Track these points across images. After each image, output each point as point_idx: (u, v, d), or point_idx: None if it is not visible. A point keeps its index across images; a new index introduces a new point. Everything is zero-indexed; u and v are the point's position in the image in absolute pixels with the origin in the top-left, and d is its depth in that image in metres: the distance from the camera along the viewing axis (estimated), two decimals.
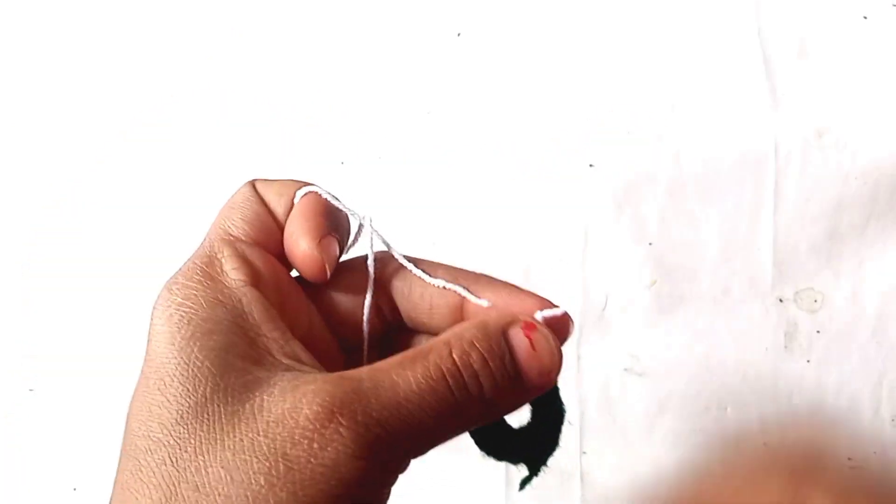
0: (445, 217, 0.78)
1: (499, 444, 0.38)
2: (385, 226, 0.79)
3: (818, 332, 0.73)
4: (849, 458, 0.73)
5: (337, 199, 0.40)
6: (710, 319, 0.74)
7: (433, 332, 0.41)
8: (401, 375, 0.32)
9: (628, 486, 0.73)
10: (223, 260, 0.38)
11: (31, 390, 0.78)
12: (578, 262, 0.76)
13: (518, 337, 0.35)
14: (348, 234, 0.41)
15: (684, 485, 0.73)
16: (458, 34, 0.83)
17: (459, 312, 0.41)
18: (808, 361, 0.73)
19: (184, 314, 0.36)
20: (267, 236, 0.40)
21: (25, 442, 0.77)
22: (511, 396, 0.35)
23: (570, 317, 0.39)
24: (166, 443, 0.33)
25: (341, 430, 0.30)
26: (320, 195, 0.40)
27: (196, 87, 0.84)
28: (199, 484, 0.32)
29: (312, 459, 0.30)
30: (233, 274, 0.37)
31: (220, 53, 0.85)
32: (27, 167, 0.84)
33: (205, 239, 0.40)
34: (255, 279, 0.37)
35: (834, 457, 0.73)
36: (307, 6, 0.85)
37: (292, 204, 0.40)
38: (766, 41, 0.78)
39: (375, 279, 0.41)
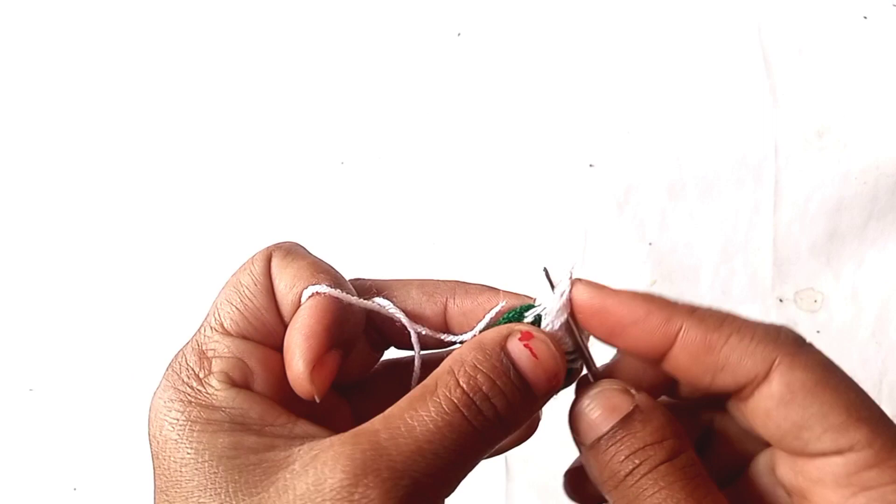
0: (445, 217, 0.78)
1: None
2: (385, 225, 0.79)
3: (818, 332, 0.73)
4: None
5: (349, 294, 0.37)
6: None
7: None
8: (415, 418, 0.32)
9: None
10: (213, 362, 0.36)
11: (31, 390, 0.78)
12: (578, 262, 0.76)
13: (518, 349, 0.35)
14: (360, 326, 0.39)
15: None
16: (458, 34, 0.83)
17: (443, 318, 0.40)
18: None
19: (185, 420, 0.34)
20: (265, 332, 0.38)
21: (25, 442, 0.77)
22: (525, 408, 0.34)
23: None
24: None
25: (370, 492, 0.30)
26: (329, 295, 0.37)
27: (196, 87, 0.84)
28: None
29: None
30: (221, 379, 0.35)
31: (220, 53, 0.85)
32: (27, 167, 0.84)
33: (202, 327, 0.38)
34: (247, 380, 0.36)
35: None
36: (308, 6, 0.85)
37: (300, 302, 0.37)
38: (766, 41, 0.78)
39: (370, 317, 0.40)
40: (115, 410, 0.76)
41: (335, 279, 0.38)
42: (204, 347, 0.36)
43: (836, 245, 0.74)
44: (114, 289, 0.80)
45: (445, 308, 0.40)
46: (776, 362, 0.33)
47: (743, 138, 0.76)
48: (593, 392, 0.35)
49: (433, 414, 0.32)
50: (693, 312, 0.35)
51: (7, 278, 0.82)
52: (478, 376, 0.33)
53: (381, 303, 0.39)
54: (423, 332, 0.39)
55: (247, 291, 0.38)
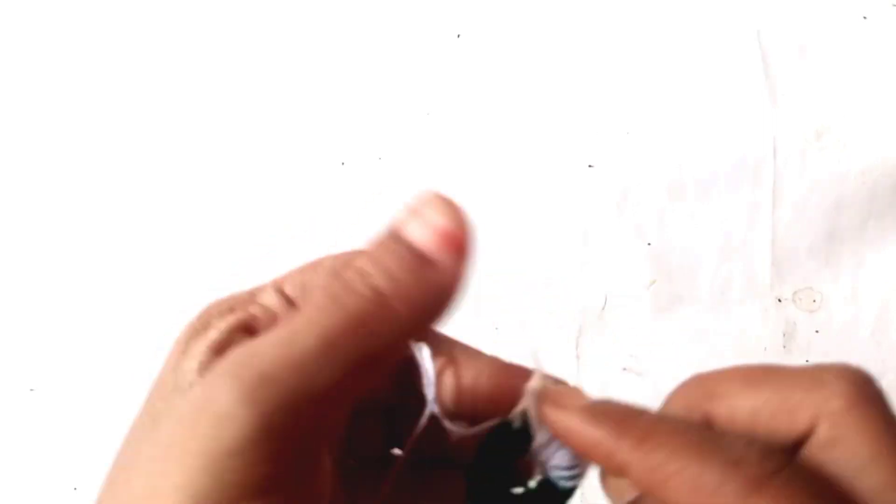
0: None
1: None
2: (384, 225, 0.79)
3: (817, 332, 0.73)
4: None
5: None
6: (710, 319, 0.74)
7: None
8: (286, 326, 0.27)
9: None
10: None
11: (31, 390, 0.78)
12: (578, 262, 0.76)
13: (413, 228, 0.31)
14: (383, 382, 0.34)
15: None
16: (458, 35, 0.83)
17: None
18: (808, 361, 0.73)
19: None
20: None
21: (25, 442, 0.77)
22: (420, 283, 0.29)
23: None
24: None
25: (225, 378, 0.26)
26: None
27: (196, 87, 0.84)
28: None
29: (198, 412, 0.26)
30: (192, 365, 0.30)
31: (219, 54, 0.85)
32: (27, 167, 0.84)
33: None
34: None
35: None
36: (308, 6, 0.85)
37: None
38: (766, 41, 0.78)
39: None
40: (116, 410, 0.76)
41: None
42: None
43: (835, 245, 0.74)
44: (114, 289, 0.80)
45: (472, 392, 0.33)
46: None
47: (742, 138, 0.76)
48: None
49: (305, 315, 0.27)
50: (640, 444, 0.27)
51: (7, 278, 0.82)
52: (356, 259, 0.30)
53: (426, 361, 0.32)
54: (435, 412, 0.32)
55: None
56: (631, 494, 0.30)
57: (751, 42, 0.78)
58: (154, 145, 0.83)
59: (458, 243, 0.31)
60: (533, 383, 0.32)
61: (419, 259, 0.30)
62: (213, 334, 0.31)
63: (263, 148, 0.82)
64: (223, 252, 0.78)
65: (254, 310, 0.32)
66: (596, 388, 0.75)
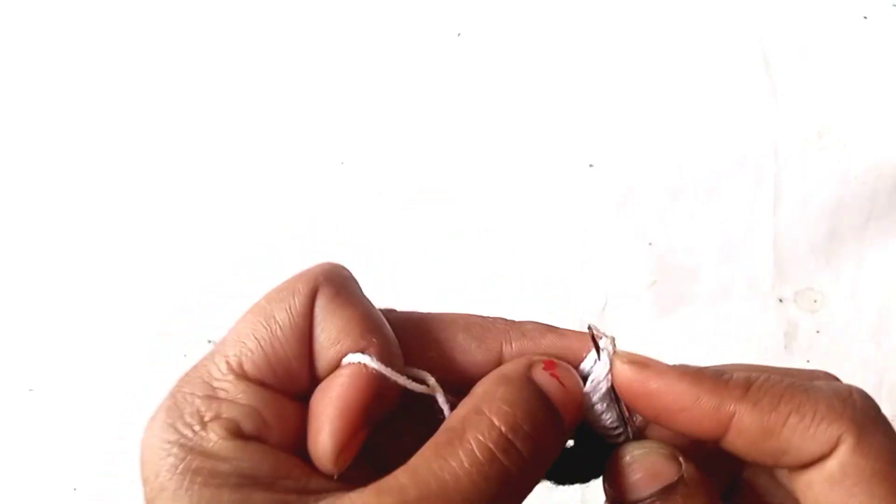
0: (445, 217, 0.78)
1: (568, 470, 0.35)
2: (384, 225, 0.79)
3: (818, 332, 0.73)
4: None
5: (397, 366, 0.32)
6: (710, 319, 0.74)
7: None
8: (445, 469, 0.28)
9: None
10: (224, 406, 0.31)
11: (31, 390, 0.78)
12: (578, 262, 0.76)
13: (545, 379, 0.31)
14: (395, 404, 0.33)
15: None
16: (458, 34, 0.83)
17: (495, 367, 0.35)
18: (808, 361, 0.73)
19: (185, 469, 0.29)
20: (288, 381, 0.32)
21: (25, 442, 0.77)
22: (557, 441, 0.31)
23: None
24: None
25: None
26: (370, 368, 0.31)
27: (196, 87, 0.84)
28: None
29: None
30: (229, 428, 0.30)
31: (219, 54, 0.85)
32: (26, 167, 0.84)
33: (214, 358, 0.32)
34: (259, 432, 0.31)
35: None
36: (308, 6, 0.85)
37: (339, 362, 0.32)
38: (766, 41, 0.78)
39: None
40: (116, 410, 0.76)
41: (386, 341, 0.32)
42: (215, 386, 0.31)
43: (836, 245, 0.74)
44: (114, 289, 0.79)
45: (500, 356, 0.34)
46: (839, 441, 0.30)
47: (743, 138, 0.76)
48: (637, 452, 0.32)
49: (466, 464, 0.28)
50: (746, 393, 0.30)
51: (7, 278, 0.81)
52: (515, 412, 0.30)
53: (430, 383, 0.33)
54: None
55: (279, 332, 0.32)
56: (636, 495, 0.31)
57: (752, 42, 0.78)
58: (154, 146, 0.83)
59: (580, 417, 0.33)
60: (604, 343, 0.33)
61: (560, 420, 0.31)
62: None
63: (263, 148, 0.82)
64: (223, 252, 0.78)
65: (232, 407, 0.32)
66: None
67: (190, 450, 0.30)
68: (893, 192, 0.74)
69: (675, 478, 0.31)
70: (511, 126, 0.79)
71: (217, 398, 0.31)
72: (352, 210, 0.79)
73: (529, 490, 0.30)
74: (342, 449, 0.30)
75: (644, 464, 0.32)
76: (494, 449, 0.29)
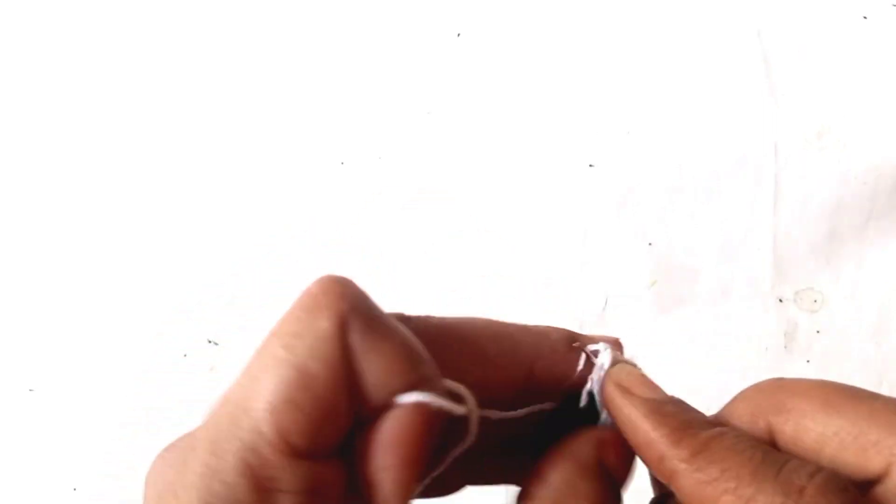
0: (445, 217, 0.78)
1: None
2: (384, 225, 0.79)
3: (818, 332, 0.73)
4: None
5: (448, 401, 0.28)
6: (710, 320, 0.74)
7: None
8: None
9: (629, 486, 0.73)
10: (280, 502, 0.25)
11: (31, 390, 0.78)
12: (578, 262, 0.76)
13: (613, 463, 0.30)
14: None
15: None
16: (458, 34, 0.83)
17: (521, 385, 0.32)
18: (808, 361, 0.73)
19: None
20: (336, 444, 0.27)
21: (25, 442, 0.77)
22: None
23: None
24: None
25: None
26: (432, 406, 0.27)
27: (195, 87, 0.84)
28: None
29: None
30: None
31: (219, 53, 0.85)
32: (27, 169, 0.84)
33: (246, 429, 0.25)
34: None
35: None
36: (308, 6, 0.85)
37: (389, 404, 0.27)
38: (766, 41, 0.78)
39: None
40: (116, 410, 0.76)
41: (435, 371, 0.28)
42: (263, 478, 0.25)
43: (836, 245, 0.74)
44: (114, 289, 0.79)
45: (531, 371, 0.31)
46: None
47: (742, 138, 0.76)
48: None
49: None
50: (695, 456, 0.27)
51: (7, 278, 0.81)
52: None
53: (469, 401, 0.29)
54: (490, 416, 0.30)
55: (321, 390, 0.25)
56: None
57: (751, 42, 0.78)
58: (154, 146, 0.83)
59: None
60: (603, 360, 0.31)
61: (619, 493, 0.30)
62: None
63: (263, 148, 0.82)
64: (223, 252, 0.78)
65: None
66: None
67: None
68: (893, 192, 0.74)
69: None
70: (511, 126, 0.79)
71: (269, 491, 0.25)
72: (352, 210, 0.79)
73: None
74: (407, 499, 0.26)
75: None
76: None
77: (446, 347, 0.29)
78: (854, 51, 0.77)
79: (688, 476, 0.26)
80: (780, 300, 0.74)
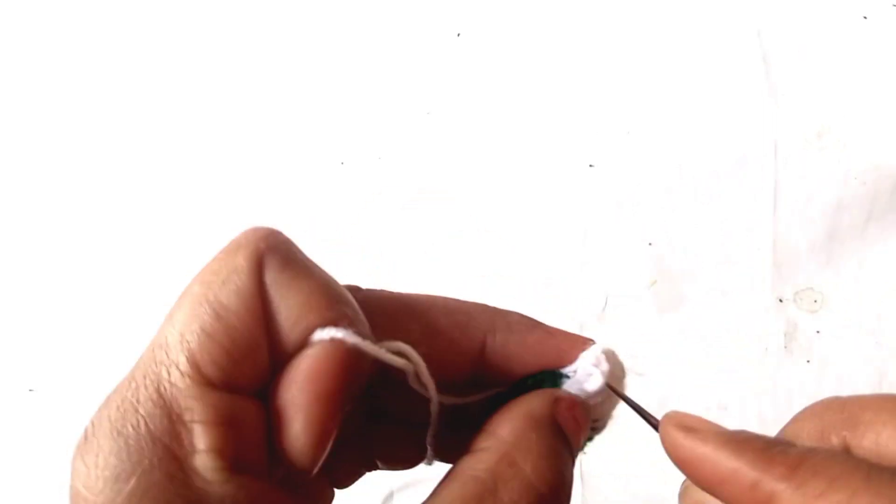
0: (445, 217, 0.78)
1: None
2: (384, 225, 0.79)
3: (818, 332, 0.73)
4: None
5: (372, 342, 0.28)
6: (710, 320, 0.74)
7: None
8: None
9: (628, 487, 0.73)
10: (195, 431, 0.25)
11: (31, 390, 0.78)
12: (578, 262, 0.76)
13: (567, 420, 0.30)
14: (364, 386, 0.29)
15: None
16: (458, 34, 0.83)
17: (475, 358, 0.32)
18: (808, 361, 0.73)
19: None
20: (252, 379, 0.26)
21: (25, 442, 0.77)
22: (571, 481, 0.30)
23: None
24: None
25: None
26: (347, 342, 0.27)
27: (196, 87, 0.84)
28: None
29: None
30: (213, 463, 0.24)
31: (219, 53, 0.85)
32: (28, 170, 0.84)
33: (158, 364, 0.25)
34: (237, 456, 0.25)
35: None
36: (308, 6, 0.85)
37: (305, 341, 0.27)
38: (766, 41, 0.78)
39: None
40: None
41: (355, 311, 0.28)
42: (176, 407, 0.25)
43: (836, 245, 0.74)
44: (114, 289, 0.79)
45: (483, 347, 0.31)
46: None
47: (742, 138, 0.76)
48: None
49: None
50: (793, 472, 0.25)
51: (7, 278, 0.81)
52: (548, 466, 0.28)
53: (412, 357, 0.29)
54: (444, 402, 0.31)
55: (235, 322, 0.26)
56: None
57: (751, 42, 0.78)
58: (154, 147, 0.83)
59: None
60: (595, 352, 0.32)
61: (571, 451, 0.30)
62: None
63: (264, 148, 0.82)
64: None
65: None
66: None
67: (143, 490, 0.23)
68: (893, 192, 0.74)
69: None
70: (511, 126, 0.79)
71: (184, 422, 0.25)
72: (352, 210, 0.79)
73: None
74: (321, 441, 0.26)
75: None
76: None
77: (396, 318, 0.30)
78: (854, 51, 0.77)
79: (791, 493, 0.25)
80: (780, 300, 0.74)
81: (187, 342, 0.25)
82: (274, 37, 0.85)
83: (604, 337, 0.79)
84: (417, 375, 0.30)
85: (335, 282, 0.28)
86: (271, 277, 0.27)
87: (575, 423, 0.30)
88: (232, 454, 0.25)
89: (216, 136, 0.83)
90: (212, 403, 0.25)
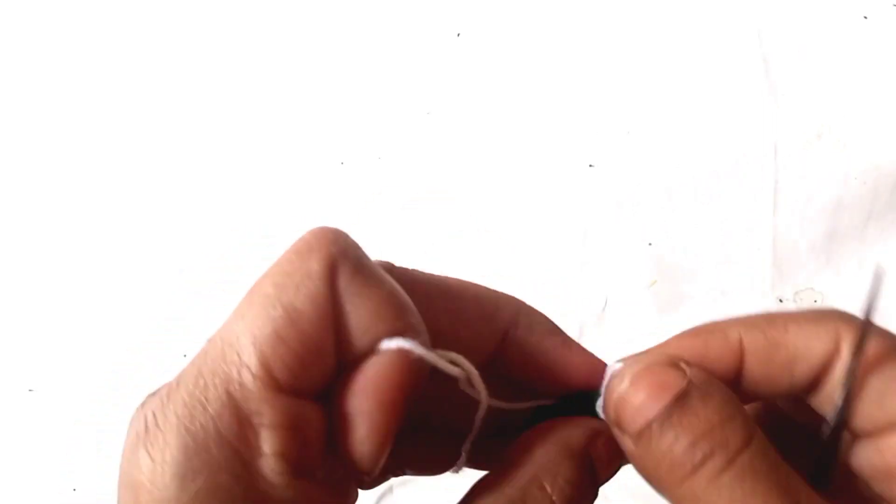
0: (445, 217, 0.78)
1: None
2: (384, 225, 0.79)
3: None
4: None
5: (434, 353, 0.28)
6: (710, 319, 0.74)
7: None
8: None
9: (629, 486, 0.73)
10: (263, 436, 0.25)
11: (30, 390, 0.78)
12: (578, 262, 0.76)
13: (600, 454, 0.30)
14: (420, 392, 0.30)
15: None
16: (458, 34, 0.83)
17: (494, 348, 0.32)
18: None
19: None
20: (321, 385, 0.27)
21: (25, 442, 0.77)
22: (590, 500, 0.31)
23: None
24: None
25: None
26: (414, 353, 0.27)
27: (196, 87, 0.84)
28: None
29: None
30: (280, 467, 0.25)
31: (219, 53, 0.85)
32: (28, 171, 0.84)
33: (229, 365, 0.25)
34: (299, 466, 0.26)
35: None
36: (308, 6, 0.85)
37: (372, 349, 0.27)
38: (766, 41, 0.78)
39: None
40: (116, 411, 0.76)
41: (420, 321, 0.28)
42: (245, 409, 0.25)
43: (836, 245, 0.74)
44: (114, 289, 0.79)
45: (504, 339, 0.32)
46: (841, 337, 0.30)
47: (742, 138, 0.76)
48: (632, 370, 0.30)
49: None
50: (744, 322, 0.32)
51: (7, 278, 0.81)
52: (572, 496, 0.29)
53: (465, 366, 0.30)
54: (493, 405, 0.31)
55: (308, 327, 0.26)
56: (645, 417, 0.29)
57: (751, 42, 0.78)
58: (154, 148, 0.83)
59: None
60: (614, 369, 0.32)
61: (597, 485, 0.31)
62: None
63: (264, 148, 0.82)
64: (223, 252, 0.78)
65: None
66: None
67: (211, 487, 0.24)
68: (893, 192, 0.74)
69: (685, 384, 0.28)
70: (511, 126, 0.79)
71: (252, 425, 0.25)
72: (352, 210, 0.79)
73: None
74: (383, 445, 0.27)
75: (644, 380, 0.29)
76: None
77: (427, 300, 0.30)
78: (854, 51, 0.77)
79: (752, 331, 0.32)
80: (780, 300, 0.74)
81: (260, 345, 0.25)
82: (274, 37, 0.85)
83: (604, 337, 0.80)
84: (469, 381, 0.30)
85: (401, 290, 0.28)
86: (344, 284, 0.27)
87: (607, 461, 0.31)
88: (295, 458, 0.25)
89: (216, 136, 0.83)
90: (280, 407, 0.25)
